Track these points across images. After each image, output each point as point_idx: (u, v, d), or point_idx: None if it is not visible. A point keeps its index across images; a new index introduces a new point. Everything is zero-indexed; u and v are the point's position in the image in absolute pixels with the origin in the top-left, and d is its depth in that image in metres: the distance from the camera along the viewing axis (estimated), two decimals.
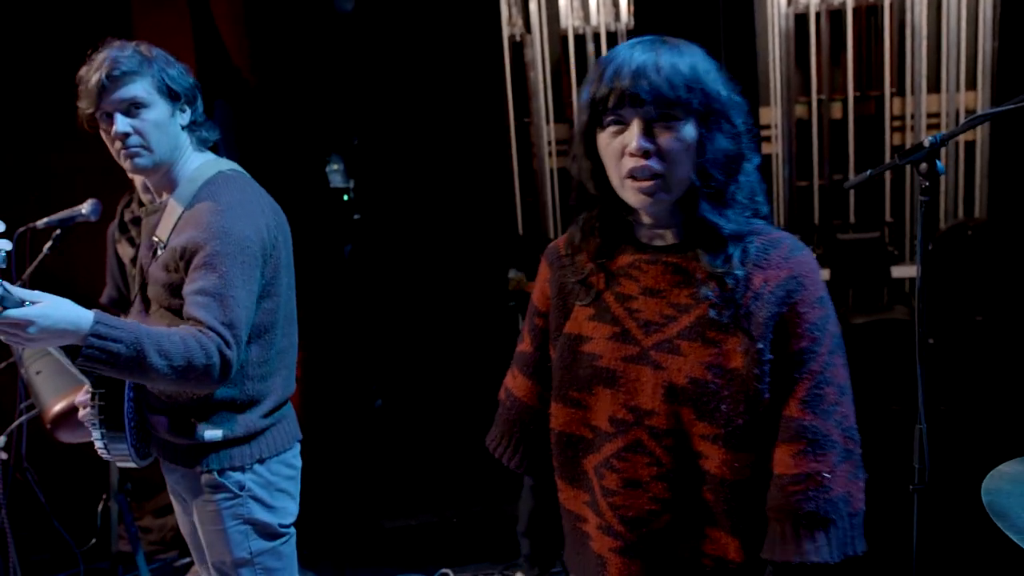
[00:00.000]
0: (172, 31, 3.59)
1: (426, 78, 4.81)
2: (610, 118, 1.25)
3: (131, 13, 3.77)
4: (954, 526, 3.00)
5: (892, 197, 5.93)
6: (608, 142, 1.27)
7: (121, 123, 1.81)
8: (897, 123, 5.89)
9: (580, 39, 6.20)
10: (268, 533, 1.99)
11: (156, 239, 1.84)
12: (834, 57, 5.85)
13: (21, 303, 1.56)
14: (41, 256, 2.67)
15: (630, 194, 1.27)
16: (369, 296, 4.55)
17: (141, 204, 3.08)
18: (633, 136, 1.23)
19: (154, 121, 1.84)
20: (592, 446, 1.34)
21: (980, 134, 5.68)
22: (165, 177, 1.93)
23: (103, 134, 1.88)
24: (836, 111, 5.97)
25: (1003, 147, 5.31)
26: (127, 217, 3.12)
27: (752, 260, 1.25)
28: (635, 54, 1.24)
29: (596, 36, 6.13)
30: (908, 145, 5.81)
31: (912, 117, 5.82)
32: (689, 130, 1.23)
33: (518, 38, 6.22)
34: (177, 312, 1.86)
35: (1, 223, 1.58)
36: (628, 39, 5.68)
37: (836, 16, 5.80)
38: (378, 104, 4.81)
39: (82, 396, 1.93)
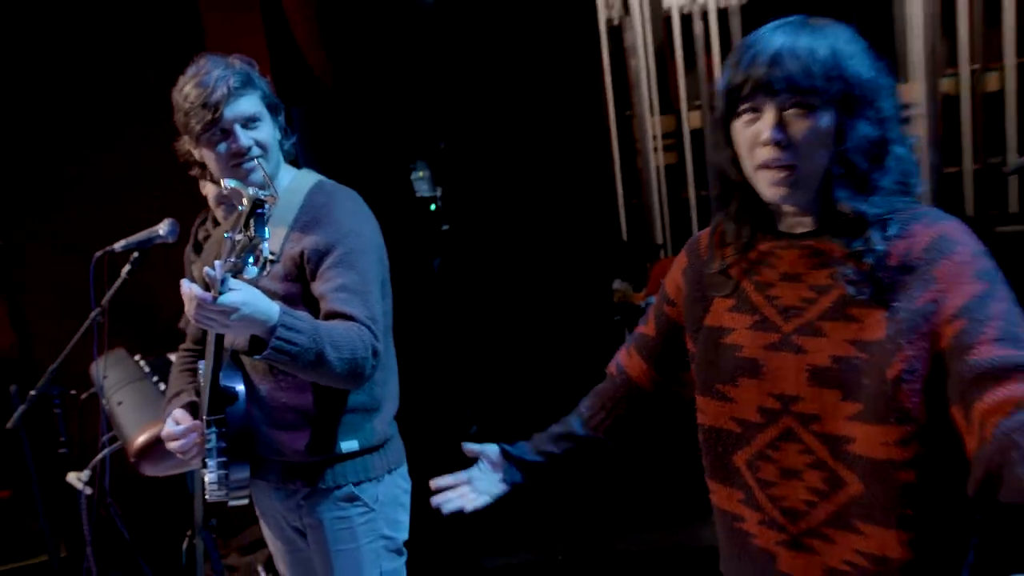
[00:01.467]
0: (244, 32, 3.75)
1: (516, 73, 4.87)
2: (745, 106, 1.32)
3: (200, 14, 3.96)
4: None
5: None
6: (742, 130, 1.33)
7: (244, 137, 1.95)
8: None
9: (686, 19, 6.17)
10: (395, 550, 2.13)
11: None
12: (989, 19, 5.64)
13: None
14: (121, 279, 2.84)
15: (763, 186, 1.33)
16: (461, 313, 4.62)
17: (216, 223, 3.25)
18: (766, 126, 1.29)
19: (267, 135, 2.00)
20: (742, 440, 1.41)
21: None
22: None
23: (208, 152, 1.99)
24: (992, 83, 5.72)
25: None
26: (201, 236, 3.29)
27: (893, 235, 1.28)
28: (774, 38, 1.29)
29: (704, 14, 6.09)
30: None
31: None
32: (826, 119, 1.28)
33: (616, 22, 6.24)
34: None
35: None
36: (740, 17, 5.60)
37: None
38: (465, 104, 4.89)
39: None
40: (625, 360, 1.67)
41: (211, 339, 1.94)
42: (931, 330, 1.22)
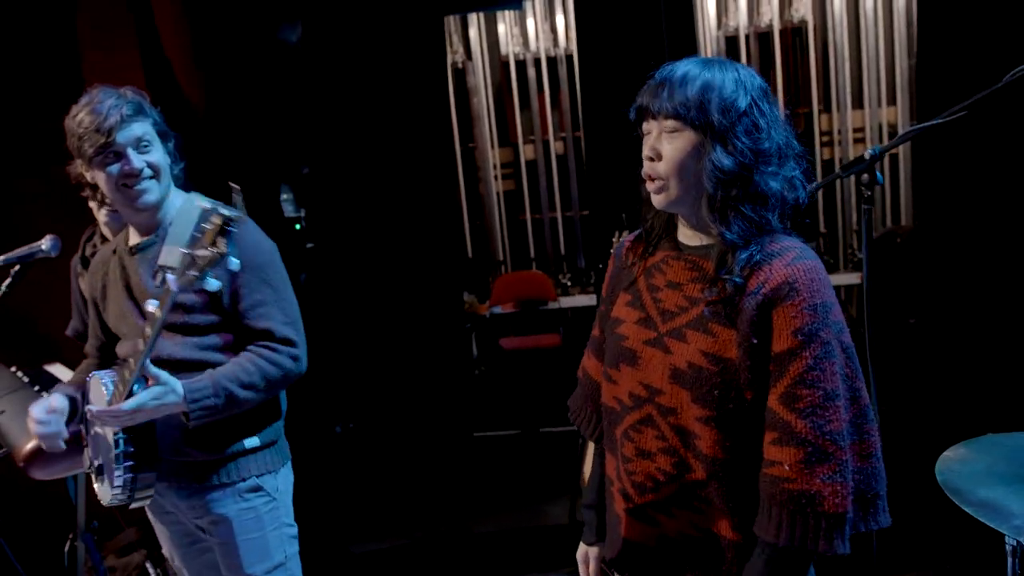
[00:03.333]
0: (123, 68, 3.59)
1: (372, 107, 4.87)
2: (643, 127, 1.40)
3: (79, 48, 3.75)
4: (909, 505, 3.17)
5: (825, 209, 6.19)
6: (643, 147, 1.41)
7: (136, 159, 1.89)
8: (826, 138, 6.17)
9: (521, 64, 6.35)
10: (293, 536, 2.09)
11: (166, 266, 1.87)
12: (763, 77, 6.10)
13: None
14: (1, 293, 2.64)
15: (650, 194, 1.41)
16: (326, 323, 4.55)
17: (104, 239, 3.07)
18: (647, 142, 1.38)
19: (159, 159, 1.93)
20: (618, 417, 1.47)
21: (903, 147, 5.98)
22: (154, 214, 1.98)
23: (100, 173, 1.91)
24: None
25: (925, 159, 5.60)
26: (89, 251, 3.10)
27: (754, 265, 1.31)
28: (664, 71, 1.36)
29: (536, 61, 6.29)
30: (837, 159, 6.11)
31: (839, 132, 6.10)
32: (688, 141, 1.32)
33: (460, 65, 6.33)
34: (189, 331, 1.92)
35: None
36: (567, 64, 5.79)
37: (764, 38, 6.07)
38: (326, 133, 4.85)
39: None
40: (587, 363, 1.65)
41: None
42: (763, 362, 1.30)
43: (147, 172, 1.91)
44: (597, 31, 4.26)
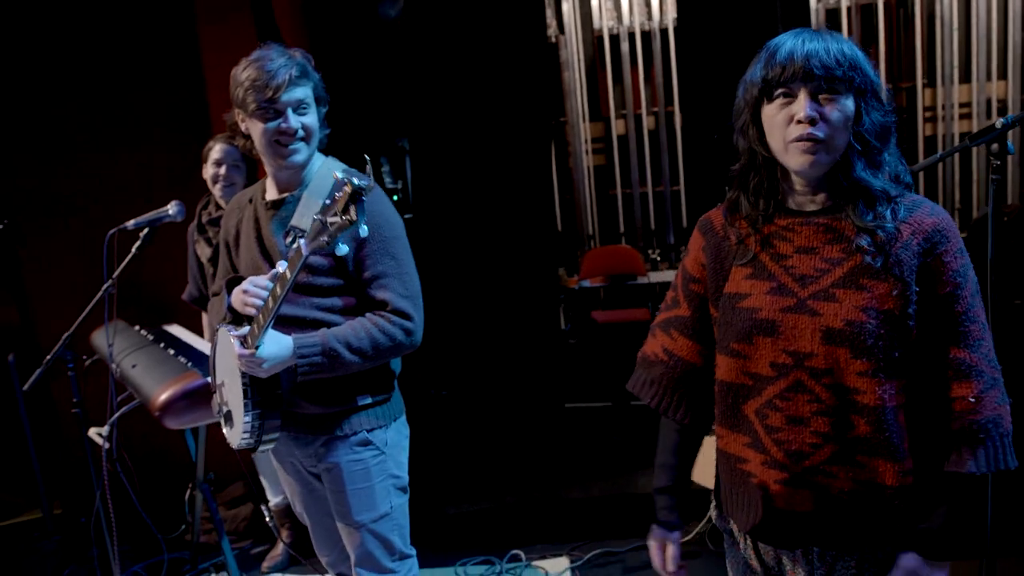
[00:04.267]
0: (238, 40, 3.71)
1: (470, 80, 4.91)
2: (780, 91, 1.40)
3: (196, 26, 3.90)
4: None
5: (926, 186, 5.98)
6: (775, 113, 1.41)
7: (294, 120, 1.97)
8: (928, 114, 5.94)
9: (615, 39, 6.29)
10: (401, 488, 2.18)
11: (298, 228, 1.94)
12: (865, 50, 5.91)
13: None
14: (130, 255, 2.78)
15: (793, 157, 1.40)
16: (425, 293, 4.66)
17: (219, 207, 3.21)
18: (802, 106, 1.37)
19: (313, 122, 2.01)
20: (752, 391, 1.47)
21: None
22: (296, 174, 2.07)
23: (257, 129, 1.99)
24: None
25: None
26: (205, 219, 3.24)
27: (900, 217, 1.40)
28: (804, 41, 1.39)
29: (631, 35, 6.22)
30: (940, 136, 5.89)
31: (943, 108, 5.87)
32: (849, 103, 1.38)
33: (553, 39, 6.32)
34: (312, 291, 2.01)
35: None
36: (662, 38, 5.73)
37: (867, 10, 5.87)
38: (424, 107, 4.92)
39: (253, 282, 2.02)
40: (671, 344, 1.63)
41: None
42: (924, 307, 1.38)
43: (300, 133, 1.99)
44: (699, 3, 4.20)
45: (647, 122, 6.29)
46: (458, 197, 5.01)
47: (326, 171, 2.04)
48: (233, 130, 2.10)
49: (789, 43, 1.40)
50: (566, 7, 6.25)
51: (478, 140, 5.02)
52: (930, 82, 5.88)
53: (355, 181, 1.58)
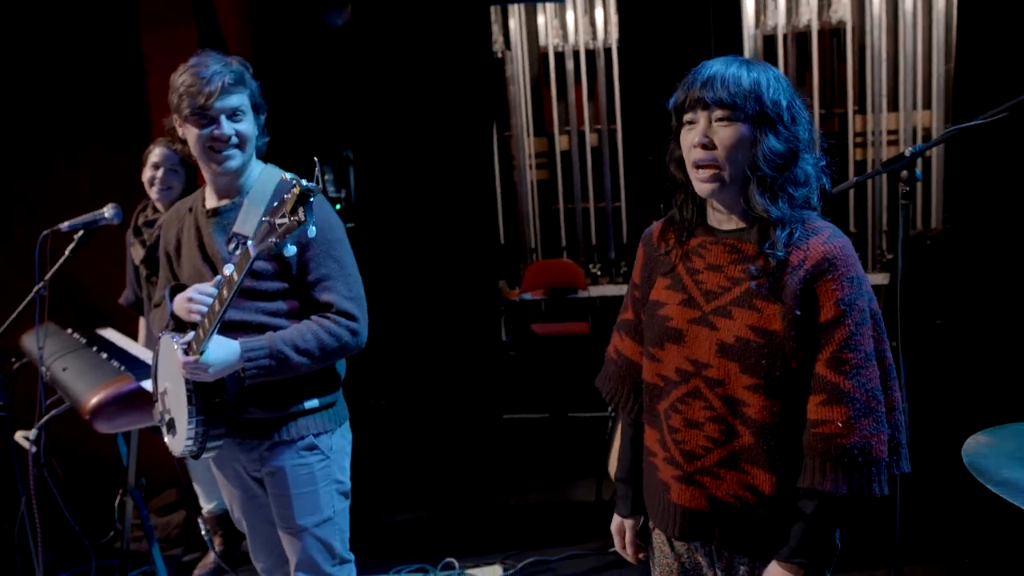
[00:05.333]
0: (181, 48, 3.69)
1: (414, 92, 4.96)
2: (686, 117, 1.49)
3: (139, 31, 3.87)
4: (936, 488, 3.28)
5: (856, 209, 6.20)
6: (684, 136, 1.50)
7: (227, 127, 1.98)
8: (859, 139, 6.17)
9: (559, 56, 6.40)
10: (343, 493, 2.20)
11: (240, 234, 1.95)
12: (800, 77, 6.12)
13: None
14: (64, 258, 2.75)
15: (695, 182, 1.49)
16: (366, 302, 4.66)
17: (155, 210, 3.19)
18: (698, 132, 1.46)
19: (248, 129, 2.03)
20: (663, 392, 1.57)
21: (936, 150, 5.98)
22: (235, 181, 2.08)
23: (192, 134, 2.01)
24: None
25: (957, 162, 5.60)
26: (141, 220, 3.22)
27: (794, 243, 1.44)
28: (712, 67, 1.47)
29: (575, 53, 6.34)
30: (870, 160, 6.12)
31: (873, 134, 6.11)
32: (744, 130, 1.44)
33: (499, 55, 6.40)
34: (257, 296, 2.02)
35: None
36: (606, 57, 5.83)
37: (802, 38, 6.08)
38: (368, 117, 4.94)
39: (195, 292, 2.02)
40: (620, 344, 1.73)
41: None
42: (807, 332, 1.43)
43: (234, 140, 2.00)
44: (640, 25, 4.32)
45: (590, 139, 6.41)
46: (401, 207, 5.04)
47: (266, 177, 2.06)
48: (172, 135, 2.11)
49: (700, 71, 1.48)
50: (513, 24, 6.34)
51: (422, 151, 5.06)
52: (861, 109, 6.12)
53: (303, 183, 1.62)
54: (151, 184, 3.08)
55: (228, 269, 1.82)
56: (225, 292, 1.82)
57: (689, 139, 1.47)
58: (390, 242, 5.00)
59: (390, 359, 4.88)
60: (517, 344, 6.12)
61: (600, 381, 1.79)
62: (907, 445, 1.48)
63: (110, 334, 3.24)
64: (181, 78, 1.98)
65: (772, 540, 1.48)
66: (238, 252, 1.80)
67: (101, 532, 3.69)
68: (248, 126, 2.03)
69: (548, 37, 6.39)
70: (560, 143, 6.49)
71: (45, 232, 2.74)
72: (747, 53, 6.03)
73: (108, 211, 2.78)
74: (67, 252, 2.77)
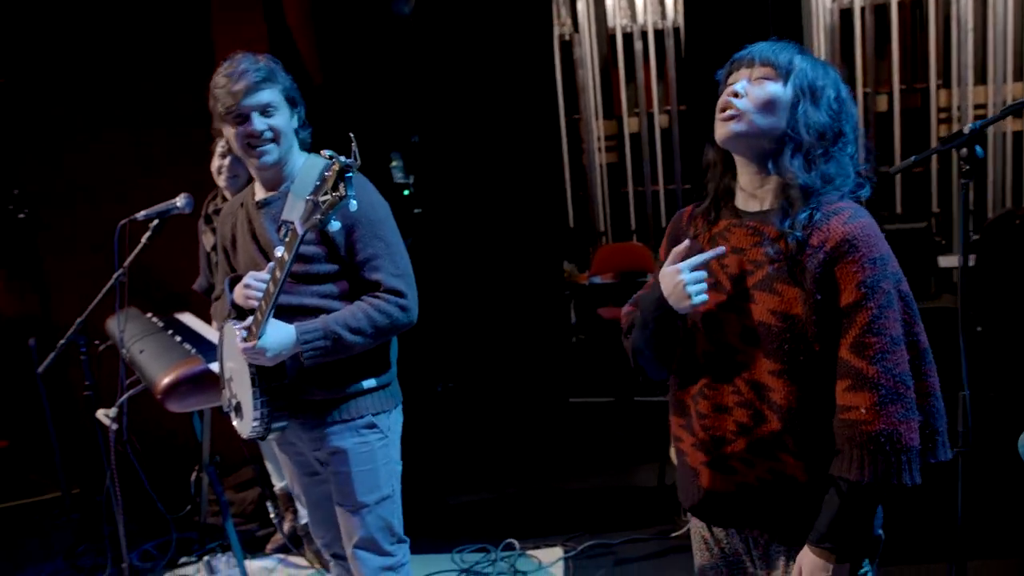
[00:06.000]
0: (250, 39, 3.81)
1: (481, 78, 4.97)
2: (729, 80, 1.47)
3: (211, 22, 4.01)
4: (995, 486, 3.15)
5: (939, 188, 5.96)
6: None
7: (259, 122, 2.07)
8: (943, 115, 5.93)
9: (628, 37, 6.33)
10: (399, 472, 2.27)
11: (288, 221, 2.03)
12: (879, 50, 5.90)
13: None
14: (140, 246, 2.88)
15: (716, 129, 1.46)
16: (431, 286, 4.72)
17: (224, 198, 3.31)
18: (731, 85, 1.45)
19: (282, 123, 2.11)
20: (690, 377, 1.56)
21: None
22: (278, 173, 2.16)
23: (229, 133, 2.10)
24: (882, 104, 6.02)
25: None
26: (210, 209, 3.36)
27: (814, 224, 1.40)
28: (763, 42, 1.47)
29: (644, 34, 6.26)
30: None
31: (959, 108, 5.85)
32: (780, 89, 1.43)
33: (567, 37, 6.37)
34: (310, 279, 2.10)
35: None
36: (675, 37, 5.75)
37: (881, 10, 5.85)
38: (436, 103, 4.99)
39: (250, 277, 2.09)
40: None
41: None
42: (828, 316, 1.39)
43: (267, 135, 2.07)
44: (705, 4, 4.23)
45: (659, 120, 6.33)
46: (469, 192, 5.07)
47: (309, 165, 2.11)
48: (218, 134, 2.20)
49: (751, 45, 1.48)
50: (580, 5, 6.30)
51: (490, 136, 5.08)
52: (945, 83, 5.87)
53: (342, 159, 1.67)
54: (219, 173, 3.20)
55: (279, 251, 1.89)
56: (278, 273, 1.89)
57: (722, 96, 1.46)
58: (458, 227, 5.05)
59: (458, 342, 4.95)
60: (584, 328, 6.12)
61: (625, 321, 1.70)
62: (946, 432, 1.42)
63: (187, 318, 3.39)
64: (216, 80, 2.07)
65: (808, 527, 1.45)
66: (287, 236, 1.87)
67: (180, 506, 3.89)
68: (281, 120, 2.09)
69: (616, 18, 6.33)
70: (629, 125, 6.43)
71: (123, 221, 2.87)
72: (823, 28, 5.85)
73: (180, 200, 2.90)
74: (143, 240, 2.91)
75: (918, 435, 1.37)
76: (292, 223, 1.86)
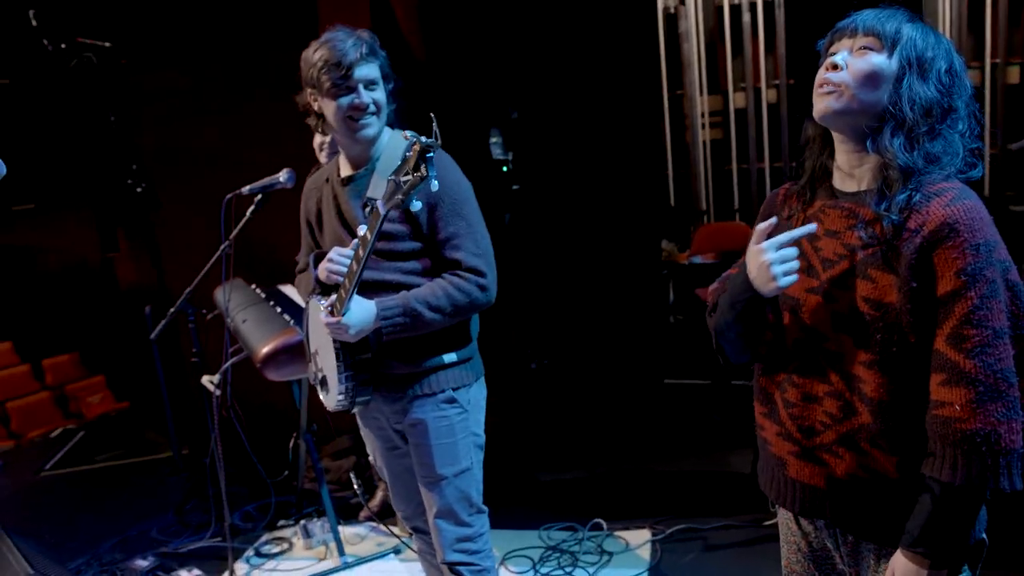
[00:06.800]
0: (352, 11, 3.87)
1: (581, 53, 4.91)
2: (830, 50, 1.39)
3: (316, 3, 4.09)
4: None
5: None
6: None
7: (366, 95, 2.09)
8: None
9: (735, 9, 6.12)
10: (479, 445, 2.29)
11: (372, 198, 2.06)
12: (1012, 18, 5.50)
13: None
14: (245, 219, 2.99)
15: (815, 104, 1.38)
16: (528, 263, 4.73)
17: None
18: (834, 54, 1.36)
19: (382, 98, 2.14)
20: (776, 365, 1.49)
21: None
22: (367, 149, 2.18)
23: (330, 107, 2.10)
24: (1013, 76, 5.61)
25: None
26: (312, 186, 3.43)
27: (912, 206, 1.31)
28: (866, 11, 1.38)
29: (752, 5, 6.03)
30: None
31: None
32: (884, 61, 1.34)
33: (672, 10, 6.21)
34: (393, 256, 2.12)
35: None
36: (785, 8, 5.51)
37: None
38: (535, 79, 4.96)
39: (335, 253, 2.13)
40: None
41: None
42: (924, 305, 1.30)
43: (372, 108, 2.09)
44: None
45: (767, 95, 6.11)
46: (568, 169, 5.04)
47: (394, 143, 2.13)
48: (305, 109, 2.20)
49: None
50: None
51: (590, 112, 5.02)
52: None
53: (423, 140, 1.68)
54: (320, 149, 3.27)
55: (362, 230, 1.91)
56: (361, 252, 1.91)
57: (821, 70, 1.37)
58: (556, 204, 5.03)
59: (553, 320, 4.95)
60: (682, 308, 6.01)
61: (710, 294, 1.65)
62: None
63: (288, 290, 3.50)
64: (317, 53, 2.07)
65: (901, 527, 1.37)
66: (370, 215, 1.89)
67: (280, 471, 4.05)
68: (382, 95, 2.11)
69: None
70: (735, 100, 6.23)
71: (228, 195, 2.98)
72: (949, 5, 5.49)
73: (283, 175, 2.98)
74: (248, 213, 3.02)
75: (1021, 437, 1.27)
76: (376, 201, 1.88)
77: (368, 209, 1.96)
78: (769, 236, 1.44)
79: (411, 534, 2.51)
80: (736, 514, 3.35)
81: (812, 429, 1.44)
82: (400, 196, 1.74)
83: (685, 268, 5.95)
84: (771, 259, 1.38)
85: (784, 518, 1.62)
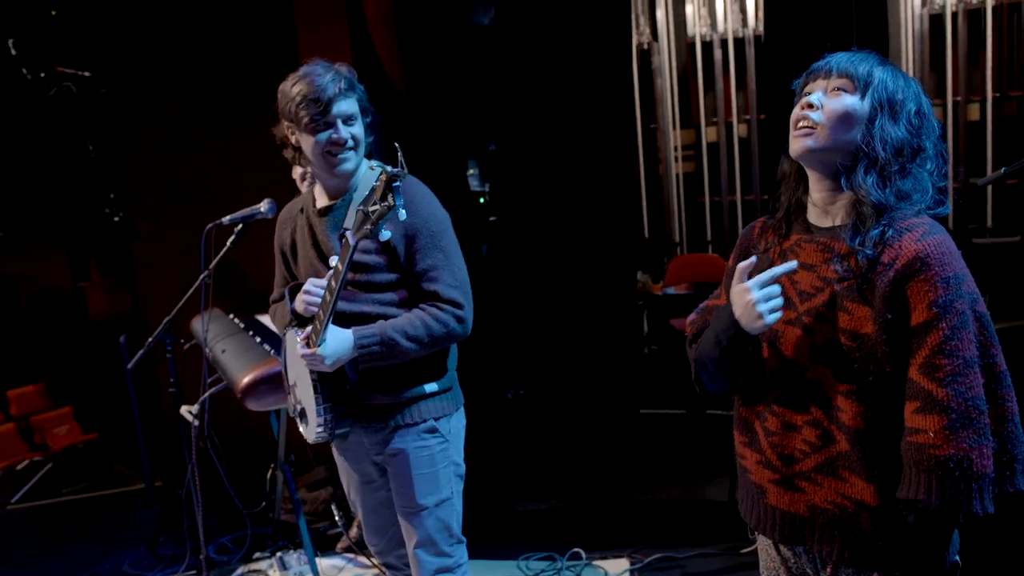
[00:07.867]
0: (334, 47, 3.92)
1: (557, 87, 4.99)
2: (805, 90, 1.45)
3: (296, 32, 4.14)
4: None
5: None
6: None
7: (344, 131, 2.10)
8: None
9: (707, 46, 6.27)
10: (459, 475, 2.29)
11: (348, 229, 2.07)
12: (972, 58, 5.70)
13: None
14: (226, 248, 2.99)
15: (791, 143, 1.44)
16: (504, 293, 4.77)
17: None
18: (809, 94, 1.43)
19: (360, 132, 2.15)
20: (756, 395, 1.56)
21: None
22: (345, 181, 2.20)
23: (308, 141, 2.11)
24: (973, 113, 5.80)
25: None
26: None
27: (886, 241, 1.36)
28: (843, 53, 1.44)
29: (724, 42, 6.19)
30: None
31: None
32: (857, 102, 1.40)
33: (646, 46, 6.35)
34: (371, 288, 2.14)
35: None
36: (756, 45, 5.66)
37: (974, 15, 5.65)
38: (513, 112, 5.03)
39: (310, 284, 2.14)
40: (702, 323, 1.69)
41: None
42: (898, 336, 1.35)
43: (350, 143, 2.11)
44: (786, 12, 4.17)
45: (738, 130, 6.25)
46: (544, 201, 5.09)
47: (372, 175, 2.16)
48: (282, 142, 2.22)
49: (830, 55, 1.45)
50: (660, 14, 6.27)
51: (565, 145, 5.09)
52: None
53: (388, 169, 1.72)
54: (302, 180, 3.29)
55: (333, 260, 1.93)
56: (334, 283, 1.93)
57: (796, 108, 1.43)
58: (533, 235, 5.07)
59: (530, 350, 4.97)
60: (656, 339, 6.07)
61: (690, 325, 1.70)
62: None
63: (267, 319, 3.49)
64: (296, 88, 2.07)
65: (879, 553, 1.41)
66: (343, 240, 1.92)
67: (256, 502, 4.01)
68: (360, 129, 2.12)
69: (696, 26, 6.27)
70: (707, 135, 6.36)
71: (209, 225, 2.99)
72: (912, 35, 5.68)
73: (264, 206, 2.99)
74: (228, 243, 3.02)
75: (992, 462, 1.32)
76: (347, 231, 1.91)
77: (342, 240, 1.98)
78: (751, 275, 1.49)
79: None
80: (714, 542, 3.38)
81: (792, 457, 1.48)
82: (368, 226, 1.77)
83: (659, 299, 6.01)
84: (756, 298, 1.42)
85: (764, 545, 1.65)
